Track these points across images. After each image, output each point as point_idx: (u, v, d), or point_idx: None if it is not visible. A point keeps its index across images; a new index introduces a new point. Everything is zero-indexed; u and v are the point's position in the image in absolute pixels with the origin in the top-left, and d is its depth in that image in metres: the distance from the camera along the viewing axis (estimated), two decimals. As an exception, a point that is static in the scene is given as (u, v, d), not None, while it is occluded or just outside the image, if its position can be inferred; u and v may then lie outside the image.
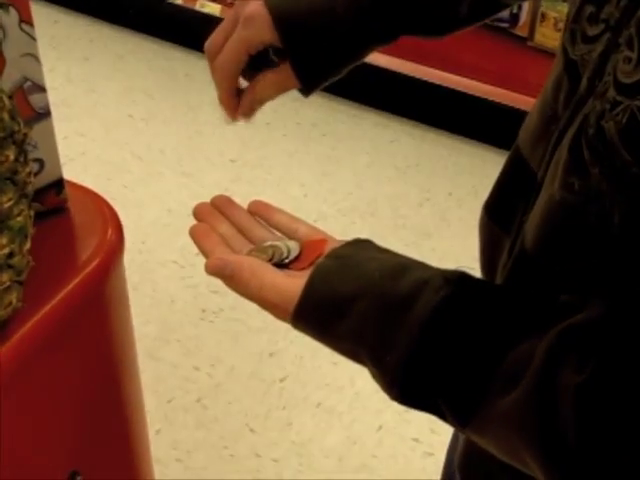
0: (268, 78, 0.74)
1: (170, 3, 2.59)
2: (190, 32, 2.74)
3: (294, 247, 0.65)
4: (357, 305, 0.58)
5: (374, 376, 0.59)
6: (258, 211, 0.71)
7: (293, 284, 0.61)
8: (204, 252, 0.67)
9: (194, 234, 0.69)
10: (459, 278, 0.57)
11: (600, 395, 0.48)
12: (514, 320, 0.55)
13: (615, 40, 0.52)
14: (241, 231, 0.69)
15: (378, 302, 0.58)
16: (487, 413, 0.53)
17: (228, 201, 0.71)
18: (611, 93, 0.50)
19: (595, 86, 0.53)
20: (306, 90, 0.75)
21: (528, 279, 0.59)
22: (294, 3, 0.71)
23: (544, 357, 0.51)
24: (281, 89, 0.75)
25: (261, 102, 0.76)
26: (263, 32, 0.70)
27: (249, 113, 0.77)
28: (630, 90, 0.48)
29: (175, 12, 2.63)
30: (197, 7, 2.56)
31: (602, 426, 0.48)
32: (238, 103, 0.76)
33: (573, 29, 0.58)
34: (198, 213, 0.71)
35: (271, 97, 0.76)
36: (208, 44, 0.75)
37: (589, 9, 0.56)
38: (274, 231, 0.69)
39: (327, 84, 0.76)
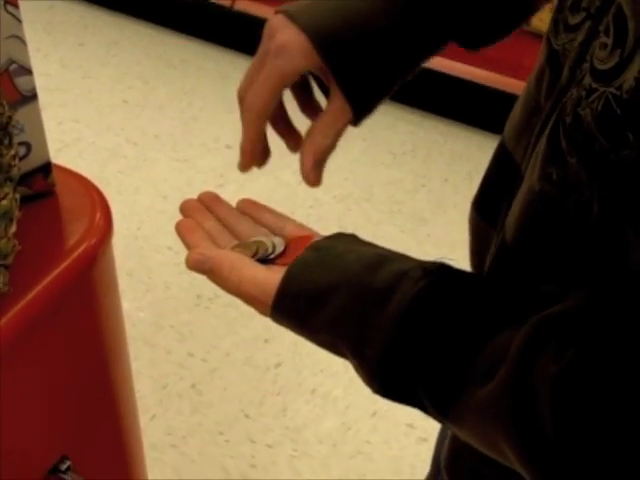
0: (323, 121, 0.66)
1: (165, -12, 2.59)
2: (186, 18, 2.74)
3: (279, 243, 0.65)
4: (335, 296, 0.58)
5: (355, 368, 0.59)
6: (246, 209, 0.70)
7: (272, 277, 0.61)
8: (188, 247, 0.67)
9: (180, 229, 0.69)
10: (438, 269, 0.57)
11: (577, 384, 0.48)
12: (493, 311, 0.55)
13: (595, 28, 0.51)
14: (227, 227, 0.69)
15: (356, 293, 0.57)
16: (466, 404, 0.53)
17: (215, 197, 0.71)
18: (587, 80, 0.49)
19: (576, 75, 0.52)
20: (358, 117, 0.67)
21: (509, 271, 0.59)
22: (328, 20, 0.64)
23: (521, 347, 0.50)
24: (340, 126, 0.66)
25: (326, 154, 0.67)
26: (298, 58, 0.64)
27: (318, 174, 0.68)
28: (605, 76, 0.47)
29: (170, -3, 2.62)
30: (192, -8, 2.55)
31: (579, 415, 0.48)
32: (262, 150, 0.69)
33: (556, 19, 0.57)
34: (185, 209, 0.70)
35: (333, 145, 0.67)
36: (238, 88, 0.68)
37: None
38: (260, 228, 0.68)
39: (377, 107, 0.69)
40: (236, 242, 0.67)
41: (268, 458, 1.72)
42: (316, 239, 0.64)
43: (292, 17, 0.66)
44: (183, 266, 1.88)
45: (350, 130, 2.48)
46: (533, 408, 0.49)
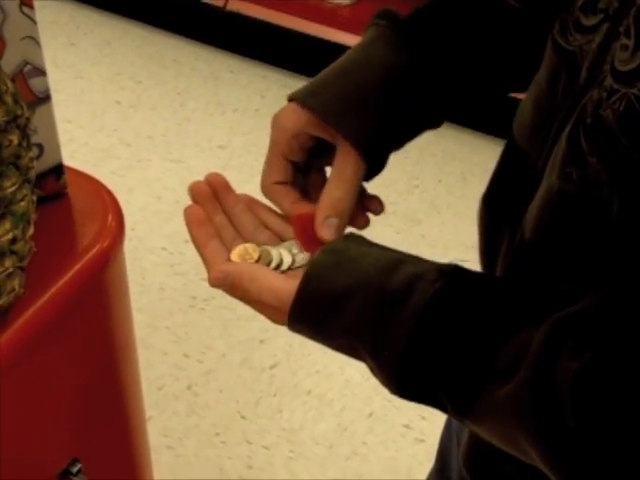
0: (333, 174, 0.68)
1: (158, -12, 2.58)
2: (178, 18, 2.73)
3: (285, 255, 0.65)
4: (352, 300, 0.58)
5: (373, 371, 0.59)
6: (247, 204, 0.70)
7: (289, 284, 0.61)
8: (196, 242, 0.67)
9: (188, 218, 0.68)
10: (454, 270, 0.57)
11: (598, 381, 0.48)
12: (511, 310, 0.55)
13: (615, 29, 0.52)
14: (232, 220, 0.69)
15: (373, 296, 0.58)
16: (486, 403, 0.53)
17: (224, 184, 0.70)
18: (608, 81, 0.50)
19: (596, 76, 0.53)
20: (370, 167, 0.70)
21: (528, 270, 0.59)
22: (324, 95, 0.67)
23: (541, 345, 0.51)
24: (350, 175, 0.68)
25: (340, 208, 0.67)
26: (290, 123, 0.68)
27: (332, 229, 0.66)
28: (627, 78, 0.48)
29: (163, -3, 2.61)
30: (185, -8, 2.54)
31: (600, 411, 0.48)
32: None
33: (564, 19, 0.58)
34: (195, 194, 0.69)
35: (348, 197, 0.68)
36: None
37: None
38: (265, 229, 0.68)
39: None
40: (240, 240, 0.67)
41: (264, 459, 1.72)
42: (329, 242, 0.64)
43: (291, 98, 0.70)
44: (178, 267, 1.88)
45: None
46: (554, 406, 0.49)
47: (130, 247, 2.10)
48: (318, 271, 0.60)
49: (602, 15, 0.54)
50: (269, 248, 0.65)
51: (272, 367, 1.88)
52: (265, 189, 0.69)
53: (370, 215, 0.75)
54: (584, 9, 0.55)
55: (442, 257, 1.74)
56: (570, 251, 0.56)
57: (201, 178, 0.70)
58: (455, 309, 0.55)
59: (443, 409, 0.57)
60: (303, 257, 0.65)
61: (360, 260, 0.60)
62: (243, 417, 1.78)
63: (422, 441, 1.76)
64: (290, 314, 0.60)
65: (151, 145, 2.40)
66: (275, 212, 0.69)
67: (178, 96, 2.55)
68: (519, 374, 0.51)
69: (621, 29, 0.50)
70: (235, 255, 0.65)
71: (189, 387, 1.83)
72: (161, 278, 2.03)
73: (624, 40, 0.49)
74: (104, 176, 2.49)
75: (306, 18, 2.42)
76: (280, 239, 0.67)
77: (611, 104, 0.49)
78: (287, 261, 0.64)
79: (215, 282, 0.64)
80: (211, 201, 0.69)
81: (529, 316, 0.54)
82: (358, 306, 0.58)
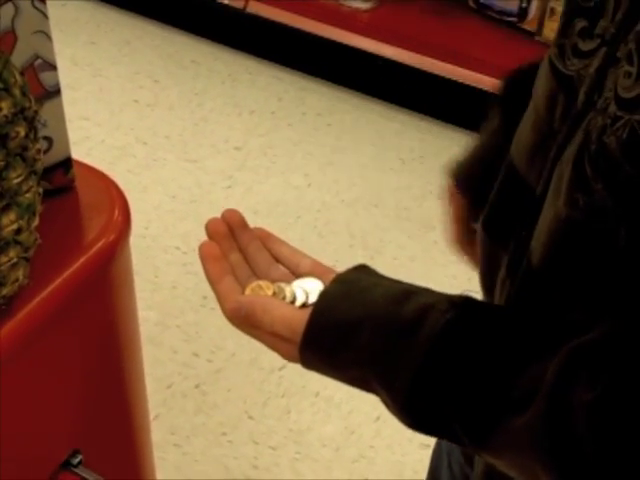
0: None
1: (178, -11, 2.59)
2: (198, 18, 2.74)
3: (300, 293, 0.65)
4: (363, 331, 0.58)
5: (386, 404, 0.59)
6: (262, 240, 0.71)
7: (301, 314, 0.61)
8: (210, 277, 0.67)
9: (204, 253, 0.68)
10: (465, 301, 0.58)
11: (613, 411, 0.48)
12: (523, 341, 0.55)
13: (612, 54, 0.52)
14: (246, 258, 0.69)
15: (384, 327, 0.58)
16: (503, 435, 0.53)
17: (241, 222, 0.71)
18: (612, 108, 0.50)
19: (594, 100, 0.53)
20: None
21: (536, 296, 0.59)
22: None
23: (555, 376, 0.51)
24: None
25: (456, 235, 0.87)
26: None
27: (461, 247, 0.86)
28: (630, 105, 0.49)
29: (183, -2, 2.63)
30: (205, -6, 2.55)
31: (617, 441, 0.48)
32: None
33: (562, 44, 0.58)
34: (211, 231, 0.70)
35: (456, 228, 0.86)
36: None
37: (581, 24, 0.56)
38: (279, 266, 0.69)
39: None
40: (254, 277, 0.67)
41: (271, 460, 1.73)
42: (340, 271, 0.65)
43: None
44: (190, 266, 1.89)
45: (359, 135, 2.50)
46: (570, 437, 0.49)
47: (143, 245, 2.12)
48: (328, 302, 0.61)
49: (599, 40, 0.54)
50: (282, 285, 0.66)
51: (281, 368, 1.88)
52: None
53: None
54: (582, 34, 0.56)
55: (455, 263, 1.74)
56: (579, 279, 0.56)
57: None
58: (466, 339, 0.55)
59: (460, 443, 0.57)
60: (316, 293, 0.65)
61: (371, 291, 0.61)
62: (250, 417, 1.79)
63: (428, 446, 1.74)
64: (301, 344, 0.61)
65: (167, 144, 2.41)
66: (288, 245, 0.70)
67: (195, 96, 2.57)
68: (534, 405, 0.51)
69: (619, 54, 0.51)
70: (249, 291, 0.66)
71: (197, 386, 1.84)
72: (173, 277, 2.04)
73: (627, 67, 0.49)
74: (120, 174, 2.51)
75: (325, 22, 2.43)
76: (294, 275, 0.68)
77: (615, 131, 0.49)
78: (300, 297, 0.65)
79: (230, 313, 0.64)
80: (227, 239, 0.70)
81: (542, 347, 0.54)
82: (369, 337, 0.58)
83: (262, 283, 0.66)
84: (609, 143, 0.49)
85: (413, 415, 0.57)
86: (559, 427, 0.50)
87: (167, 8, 2.77)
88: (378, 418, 1.80)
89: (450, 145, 2.46)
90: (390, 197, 2.28)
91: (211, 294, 0.67)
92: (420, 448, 1.75)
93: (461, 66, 2.29)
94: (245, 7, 2.51)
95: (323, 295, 0.62)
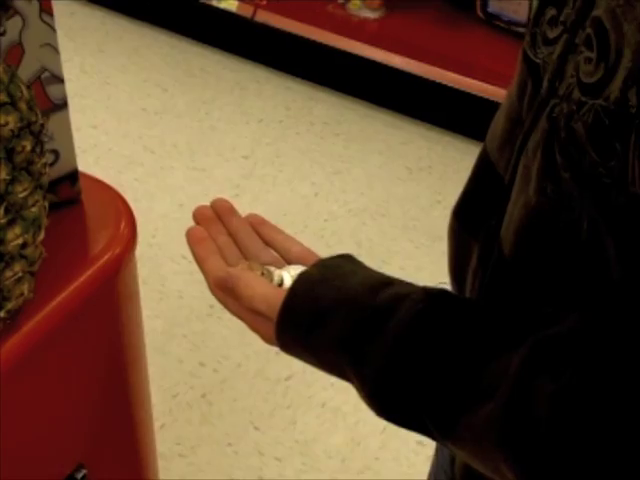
0: None
1: (187, -3, 2.60)
2: (207, 27, 2.74)
3: (287, 277, 0.65)
4: (337, 314, 0.58)
5: (358, 390, 0.59)
6: (255, 225, 0.70)
7: (280, 292, 0.62)
8: (197, 258, 0.67)
9: (190, 237, 0.69)
10: (439, 293, 0.58)
11: (575, 402, 0.48)
12: (492, 333, 0.55)
13: (572, 41, 0.53)
14: (236, 242, 0.69)
15: (357, 312, 0.58)
16: (467, 424, 0.53)
17: (229, 209, 0.71)
18: (576, 94, 0.50)
19: (555, 87, 0.54)
20: None
21: (508, 285, 0.59)
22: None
23: (519, 367, 0.51)
24: None
25: None
26: None
27: None
28: (593, 90, 0.49)
29: (192, 7, 2.62)
30: (214, 3, 2.55)
31: (577, 435, 0.48)
32: None
33: (534, 32, 0.59)
34: (198, 217, 0.71)
35: None
36: None
37: (550, 12, 0.57)
38: (269, 250, 0.69)
39: None
40: (243, 260, 0.67)
41: (276, 471, 1.72)
42: (323, 257, 0.64)
43: None
44: (197, 275, 1.88)
45: (366, 144, 2.49)
46: (531, 426, 0.49)
47: (150, 254, 2.12)
48: (306, 283, 0.61)
49: (562, 27, 0.55)
50: (272, 269, 0.65)
51: (287, 378, 1.87)
52: None
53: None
54: (550, 22, 0.57)
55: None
56: (548, 268, 0.56)
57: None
58: (437, 329, 0.55)
59: (428, 434, 0.57)
60: None
61: (349, 277, 0.61)
62: (256, 428, 1.78)
63: (435, 458, 1.74)
64: (277, 321, 0.60)
65: (175, 153, 2.41)
66: (282, 232, 0.70)
67: (204, 105, 2.57)
68: (497, 394, 0.51)
69: (577, 40, 0.51)
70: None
71: (203, 396, 1.83)
72: (180, 286, 2.04)
73: (587, 53, 0.50)
74: (127, 182, 2.52)
75: (333, 31, 2.43)
76: (285, 261, 0.67)
77: (581, 116, 0.49)
78: (287, 282, 0.65)
79: (216, 281, 0.64)
80: (215, 223, 0.70)
81: (510, 339, 0.54)
82: (342, 320, 0.58)
83: (251, 263, 0.66)
84: (577, 129, 0.49)
85: (381, 402, 0.57)
86: (520, 416, 0.50)
87: (176, 17, 2.77)
88: (384, 430, 1.79)
89: (458, 155, 2.45)
90: (397, 207, 2.27)
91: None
92: (427, 461, 1.74)
93: (469, 76, 2.29)
94: (254, 16, 2.51)
95: (301, 276, 0.62)
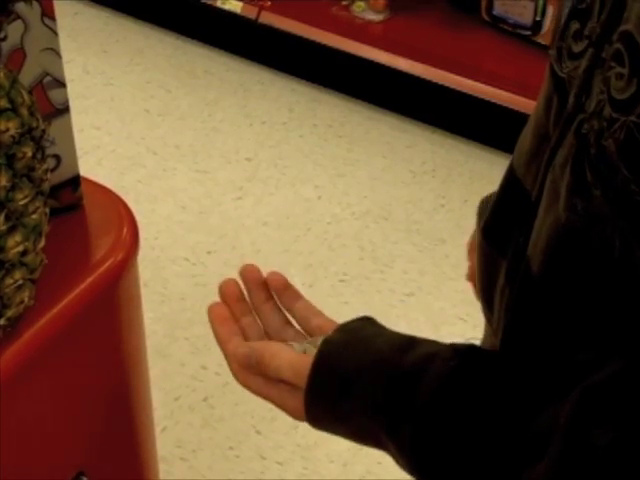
0: None
1: (191, -1, 2.59)
2: (211, 29, 2.74)
3: (309, 349, 0.64)
4: (366, 378, 0.57)
5: (395, 454, 0.57)
6: (278, 288, 0.69)
7: (307, 358, 0.60)
8: (219, 338, 0.68)
9: (213, 316, 0.69)
10: (469, 349, 0.57)
11: (629, 455, 0.47)
12: (533, 386, 0.54)
13: (598, 55, 0.52)
14: (259, 316, 0.69)
15: (387, 374, 0.57)
16: None
17: (258, 280, 0.69)
18: (607, 111, 0.49)
19: (582, 103, 0.53)
20: None
21: (535, 304, 0.58)
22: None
23: (569, 420, 0.49)
24: None
25: None
26: None
27: None
28: (625, 106, 0.48)
29: (196, 8, 2.62)
30: (218, 4, 2.55)
31: None
32: None
33: (560, 47, 0.58)
34: (224, 293, 0.70)
35: None
36: None
37: (574, 26, 0.56)
38: (290, 328, 0.68)
39: None
40: (266, 338, 0.67)
41: (278, 475, 1.71)
42: (344, 322, 0.64)
43: None
44: (199, 278, 1.88)
45: (370, 147, 2.48)
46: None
47: (152, 256, 2.11)
48: (330, 349, 0.60)
49: (587, 41, 0.54)
50: (295, 344, 0.65)
51: (289, 382, 1.87)
52: None
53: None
54: (574, 36, 0.56)
55: (465, 278, 1.74)
56: (579, 287, 0.54)
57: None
58: (472, 386, 0.54)
59: None
60: None
61: (374, 339, 0.60)
62: (258, 432, 1.77)
63: (437, 464, 1.74)
64: (307, 389, 0.59)
65: (178, 154, 2.40)
66: (304, 299, 0.69)
67: (207, 106, 2.56)
68: (550, 452, 0.49)
69: (604, 55, 0.50)
70: None
71: (205, 399, 1.83)
72: (182, 288, 2.03)
73: (618, 69, 0.48)
74: (130, 184, 2.51)
75: (338, 33, 2.42)
76: (306, 332, 0.67)
77: (612, 133, 0.48)
78: (311, 352, 0.64)
79: (240, 358, 0.64)
80: (240, 301, 0.69)
81: (552, 390, 0.52)
82: (372, 384, 0.57)
83: (274, 343, 0.66)
84: (607, 146, 0.48)
85: (420, 462, 0.55)
86: (577, 472, 0.48)
87: (180, 18, 2.77)
88: (386, 434, 1.78)
89: (462, 158, 2.44)
90: (401, 210, 2.26)
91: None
92: (429, 466, 1.73)
93: (474, 79, 2.28)
94: (258, 17, 2.50)
95: (325, 342, 0.61)
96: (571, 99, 0.54)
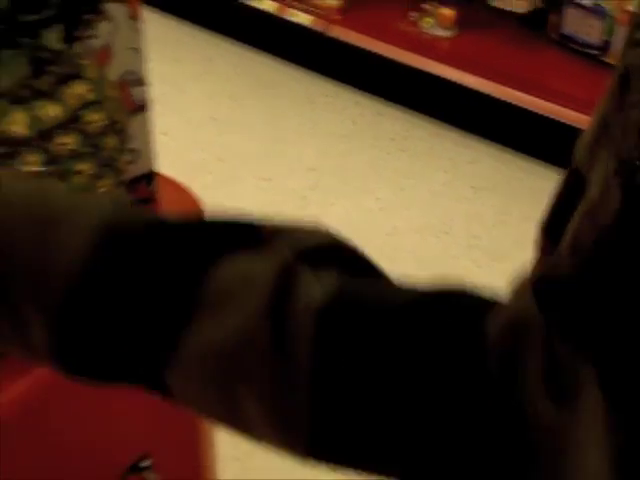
0: None
1: (262, 10, 2.64)
2: (279, 40, 2.79)
3: None
4: None
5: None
6: None
7: None
8: None
9: None
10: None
11: (341, 319, 0.45)
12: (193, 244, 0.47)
13: None
14: None
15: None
16: (192, 349, 0.44)
17: None
18: None
19: None
20: None
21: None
22: None
23: (276, 278, 0.45)
24: None
25: None
26: None
27: None
28: None
29: (266, 20, 2.67)
30: (288, 16, 2.59)
31: (343, 352, 0.44)
32: None
33: (630, 37, 0.58)
34: None
35: None
36: None
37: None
38: None
39: None
40: None
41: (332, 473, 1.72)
42: None
43: None
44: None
45: (432, 162, 2.49)
46: (294, 343, 0.44)
47: (214, 260, 2.15)
48: None
49: None
50: None
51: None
52: None
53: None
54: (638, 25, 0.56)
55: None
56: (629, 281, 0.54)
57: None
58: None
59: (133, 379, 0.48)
60: None
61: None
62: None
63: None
64: None
65: (243, 163, 2.45)
66: None
67: (273, 116, 2.60)
68: (242, 311, 0.44)
69: None
70: None
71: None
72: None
73: None
74: (196, 190, 2.53)
75: (405, 48, 2.44)
76: None
77: None
78: None
79: None
80: None
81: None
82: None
83: None
84: None
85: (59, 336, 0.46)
86: (280, 333, 0.43)
87: (249, 28, 2.82)
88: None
89: (523, 175, 2.44)
90: (461, 225, 2.27)
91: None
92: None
93: (540, 97, 2.28)
94: (326, 31, 2.54)
95: None
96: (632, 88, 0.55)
